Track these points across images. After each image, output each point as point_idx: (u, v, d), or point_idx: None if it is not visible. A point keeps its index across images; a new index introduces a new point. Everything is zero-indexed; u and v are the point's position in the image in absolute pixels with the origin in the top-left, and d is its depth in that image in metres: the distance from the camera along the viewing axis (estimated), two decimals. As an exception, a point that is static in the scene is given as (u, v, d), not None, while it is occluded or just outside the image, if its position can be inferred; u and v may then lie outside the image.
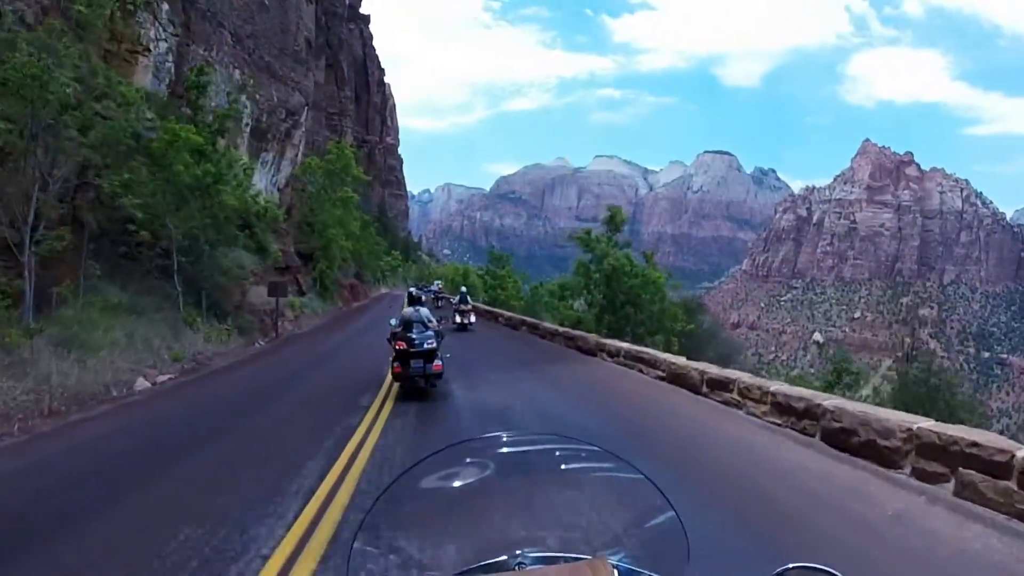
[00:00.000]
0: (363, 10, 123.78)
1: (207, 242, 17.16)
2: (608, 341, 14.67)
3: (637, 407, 9.41)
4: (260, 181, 35.91)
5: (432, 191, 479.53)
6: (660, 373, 11.34)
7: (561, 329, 18.33)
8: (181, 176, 14.65)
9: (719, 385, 9.22)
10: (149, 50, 23.43)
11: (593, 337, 15.75)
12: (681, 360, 10.89)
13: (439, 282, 52.13)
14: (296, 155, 40.65)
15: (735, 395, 8.72)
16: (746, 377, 8.86)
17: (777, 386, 8.08)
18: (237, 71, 31.53)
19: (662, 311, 17.59)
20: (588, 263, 18.40)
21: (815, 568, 1.24)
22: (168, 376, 13.31)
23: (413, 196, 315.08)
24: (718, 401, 9.13)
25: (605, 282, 17.46)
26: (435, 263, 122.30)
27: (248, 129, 33.22)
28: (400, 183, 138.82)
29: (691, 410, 9.08)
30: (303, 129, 41.57)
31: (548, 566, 1.43)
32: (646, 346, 15.21)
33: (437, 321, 11.10)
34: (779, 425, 7.72)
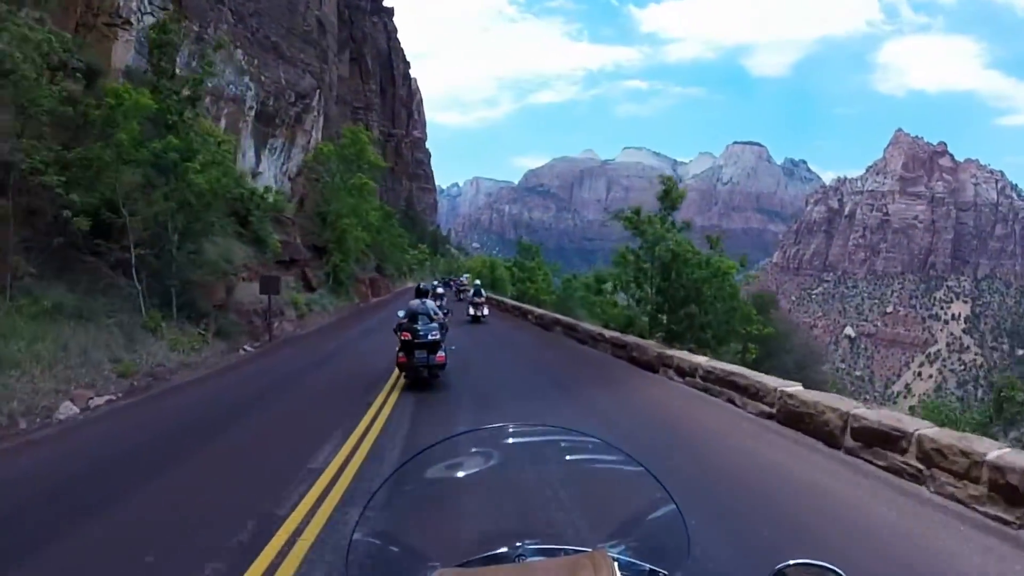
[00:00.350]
0: (386, 3, 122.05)
1: (176, 231, 14.31)
2: (675, 353, 10.92)
3: (752, 487, 5.47)
4: (268, 169, 33.44)
5: (460, 185, 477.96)
6: (765, 408, 7.59)
7: (608, 334, 14.69)
8: (124, 147, 11.59)
9: (879, 439, 5.65)
10: (130, 23, 20.82)
11: (654, 347, 12.05)
12: (801, 390, 7.15)
13: (467, 275, 50.90)
14: (308, 142, 38.02)
15: (911, 459, 5.26)
16: (931, 430, 5.28)
17: (998, 452, 4.64)
18: (239, 51, 28.86)
19: (732, 310, 13.73)
20: (636, 250, 14.44)
21: (814, 564, 1.20)
22: (107, 397, 10.67)
23: (442, 190, 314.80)
24: (878, 466, 5.60)
25: (661, 274, 13.56)
26: (464, 257, 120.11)
27: (253, 113, 30.70)
28: (428, 177, 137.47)
29: (843, 489, 5.33)
30: (315, 114, 38.93)
31: (548, 559, 1.37)
32: (706, 355, 11.58)
33: (443, 314, 11.21)
34: (1008, 524, 4.38)
